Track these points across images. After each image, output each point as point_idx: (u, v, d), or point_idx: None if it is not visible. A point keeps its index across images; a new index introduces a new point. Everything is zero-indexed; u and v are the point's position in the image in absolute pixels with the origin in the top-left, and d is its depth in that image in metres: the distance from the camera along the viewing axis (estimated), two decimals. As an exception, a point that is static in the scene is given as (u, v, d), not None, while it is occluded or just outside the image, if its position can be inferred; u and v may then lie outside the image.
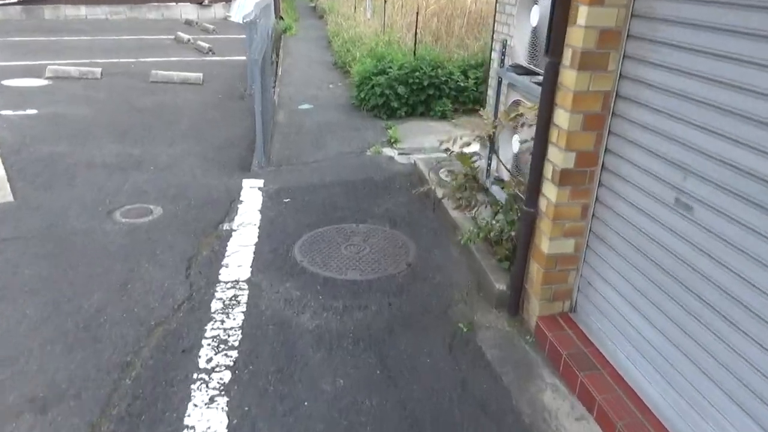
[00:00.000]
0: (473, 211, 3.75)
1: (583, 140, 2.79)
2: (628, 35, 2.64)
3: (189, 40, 12.97)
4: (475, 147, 3.77)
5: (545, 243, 3.00)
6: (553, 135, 2.88)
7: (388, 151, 6.53)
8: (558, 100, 2.82)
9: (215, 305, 3.44)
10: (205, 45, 12.28)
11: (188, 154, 6.12)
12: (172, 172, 5.59)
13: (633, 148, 2.67)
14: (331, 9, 16.07)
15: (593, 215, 2.95)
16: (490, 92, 6.47)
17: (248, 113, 7.49)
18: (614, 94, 2.74)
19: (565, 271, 3.07)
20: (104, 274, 3.72)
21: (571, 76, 2.70)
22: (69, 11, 16.41)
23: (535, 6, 3.83)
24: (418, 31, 9.19)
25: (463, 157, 3.47)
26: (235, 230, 4.45)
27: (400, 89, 7.85)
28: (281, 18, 16.88)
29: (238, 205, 4.91)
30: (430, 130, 7.51)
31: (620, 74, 2.70)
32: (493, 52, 6.50)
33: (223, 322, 3.28)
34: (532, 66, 3.97)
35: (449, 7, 11.86)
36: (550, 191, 2.93)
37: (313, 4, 20.76)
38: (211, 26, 15.35)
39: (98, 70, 9.37)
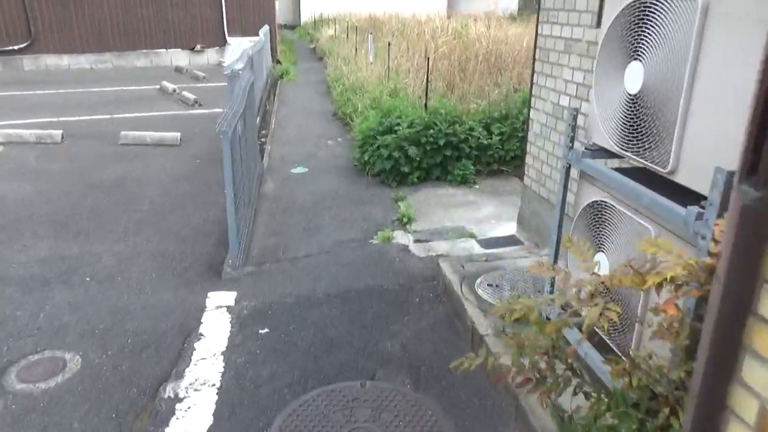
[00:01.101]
0: (553, 395, 2.30)
1: (834, 360, 1.34)
2: None
3: (174, 90, 11.75)
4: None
5: None
6: (759, 338, 1.42)
7: (400, 237, 5.10)
8: (770, 274, 1.38)
9: None
10: (191, 96, 11.04)
11: (141, 253, 4.70)
12: (113, 285, 4.16)
13: None
14: (330, 52, 14.91)
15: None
16: (528, 159, 4.90)
17: (227, 186, 6.14)
18: None
19: None
20: None
21: (812, 232, 1.26)
22: (50, 61, 15.34)
23: (635, 62, 2.43)
24: (428, 77, 7.88)
25: (543, 326, 2.05)
26: (182, 398, 2.98)
27: (411, 150, 6.48)
28: (278, 62, 15.78)
29: (195, 344, 3.46)
30: (450, 201, 6.11)
31: None
32: (532, 110, 5.14)
33: None
34: (627, 152, 2.56)
35: (459, 49, 10.63)
36: (748, 446, 1.47)
37: (313, 46, 19.74)
38: (202, 74, 14.19)
39: (59, 132, 8.07)
